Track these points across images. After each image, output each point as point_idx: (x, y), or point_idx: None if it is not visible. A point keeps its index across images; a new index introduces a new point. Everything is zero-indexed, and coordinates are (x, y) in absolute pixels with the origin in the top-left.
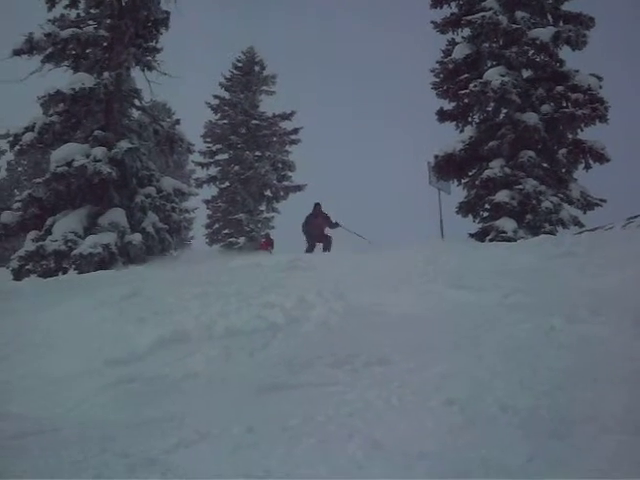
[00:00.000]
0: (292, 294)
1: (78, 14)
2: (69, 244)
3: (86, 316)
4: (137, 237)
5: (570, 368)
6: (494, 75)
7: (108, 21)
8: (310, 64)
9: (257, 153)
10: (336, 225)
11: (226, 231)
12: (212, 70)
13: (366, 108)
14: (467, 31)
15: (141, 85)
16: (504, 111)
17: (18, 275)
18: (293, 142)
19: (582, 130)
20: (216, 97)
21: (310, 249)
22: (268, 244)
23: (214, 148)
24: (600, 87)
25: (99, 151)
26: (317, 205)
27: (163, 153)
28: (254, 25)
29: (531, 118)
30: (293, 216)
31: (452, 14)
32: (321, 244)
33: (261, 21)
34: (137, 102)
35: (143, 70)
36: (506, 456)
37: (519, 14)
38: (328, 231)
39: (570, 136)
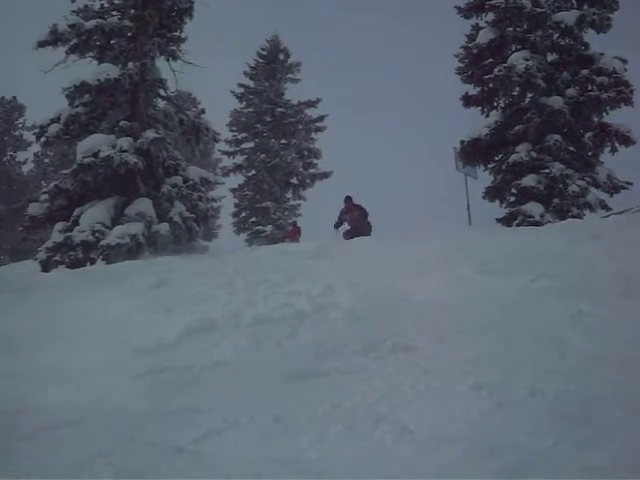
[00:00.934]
0: (319, 282)
1: (102, 5)
2: (97, 235)
3: (114, 306)
4: (164, 227)
5: (598, 352)
6: (519, 59)
7: (132, 11)
8: (334, 50)
9: (283, 141)
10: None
11: (253, 219)
12: (237, 59)
13: (390, 94)
14: (491, 15)
15: (166, 75)
16: (529, 95)
17: (46, 266)
18: (318, 129)
19: (607, 113)
20: (241, 85)
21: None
22: (295, 232)
23: (240, 137)
24: (625, 70)
25: (125, 141)
26: (349, 198)
27: (189, 142)
28: (279, 12)
29: (556, 102)
30: (320, 203)
31: None
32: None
33: (285, 8)
34: (162, 92)
35: (168, 60)
36: (534, 439)
37: None
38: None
39: (596, 119)
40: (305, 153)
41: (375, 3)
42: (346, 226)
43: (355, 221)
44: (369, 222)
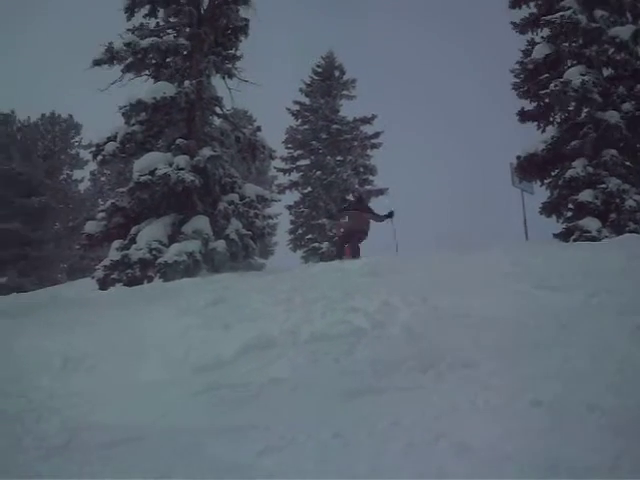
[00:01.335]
0: (375, 298)
1: (157, 23)
2: (154, 252)
3: (171, 323)
4: (221, 244)
5: None
6: (574, 74)
7: (187, 29)
8: (388, 67)
9: (338, 158)
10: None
11: (309, 236)
12: (292, 76)
13: (446, 110)
14: (546, 31)
15: (222, 93)
16: (585, 110)
17: (103, 284)
18: (374, 146)
19: None
20: (296, 103)
21: (343, 254)
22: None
23: (295, 154)
24: None
25: (182, 159)
26: (357, 195)
27: (245, 160)
28: (335, 30)
29: (612, 117)
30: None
31: (531, 14)
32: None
33: (341, 26)
34: (218, 110)
35: (223, 78)
36: (594, 456)
37: (598, 13)
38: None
39: None
40: (361, 170)
41: (432, 20)
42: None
43: (358, 221)
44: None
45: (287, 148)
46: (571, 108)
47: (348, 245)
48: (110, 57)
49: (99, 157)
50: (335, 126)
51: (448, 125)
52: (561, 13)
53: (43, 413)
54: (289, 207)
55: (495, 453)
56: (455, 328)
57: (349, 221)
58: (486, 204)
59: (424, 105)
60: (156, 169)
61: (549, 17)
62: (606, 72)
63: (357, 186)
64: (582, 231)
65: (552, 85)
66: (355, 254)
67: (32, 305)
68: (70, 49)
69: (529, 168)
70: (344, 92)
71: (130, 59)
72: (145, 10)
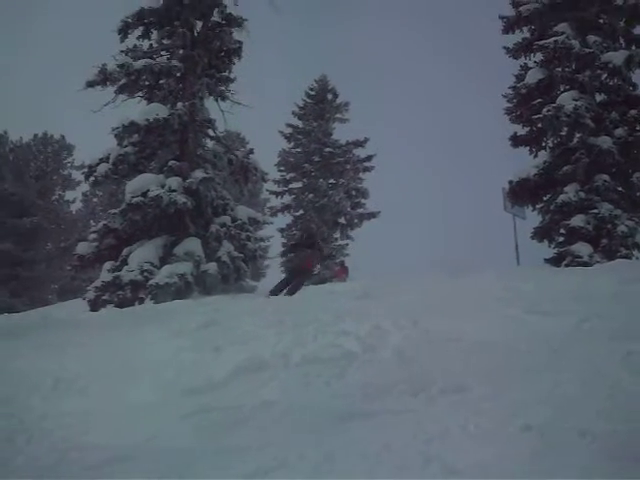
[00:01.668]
0: (366, 321)
1: (151, 45)
2: (145, 274)
3: (162, 346)
4: (212, 266)
5: None
6: (567, 99)
7: (181, 51)
8: (381, 91)
9: (331, 181)
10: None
11: None
12: (285, 99)
13: (437, 135)
14: (539, 56)
15: (215, 115)
16: (578, 135)
17: (94, 305)
18: (367, 169)
19: None
20: (289, 126)
21: (282, 288)
22: (343, 272)
23: (288, 177)
24: None
25: (174, 181)
26: (310, 233)
27: (237, 182)
28: (327, 53)
29: (605, 142)
30: (367, 243)
31: (524, 39)
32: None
33: (333, 49)
34: (211, 132)
35: (217, 100)
36: None
37: (591, 38)
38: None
39: None
40: (353, 193)
41: (423, 46)
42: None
43: (307, 261)
44: (308, 268)
45: (279, 171)
46: (563, 133)
47: (294, 282)
48: (103, 78)
49: (91, 178)
50: (328, 149)
51: (441, 149)
52: (554, 38)
53: (34, 433)
54: (281, 230)
55: (486, 477)
56: (446, 352)
57: (296, 259)
58: (478, 229)
59: (418, 129)
60: (148, 191)
61: (542, 42)
62: (599, 97)
63: (349, 209)
64: (574, 256)
65: (545, 110)
66: (292, 291)
67: (23, 326)
68: (63, 70)
69: (521, 193)
70: (337, 115)
71: (123, 80)
72: (139, 32)
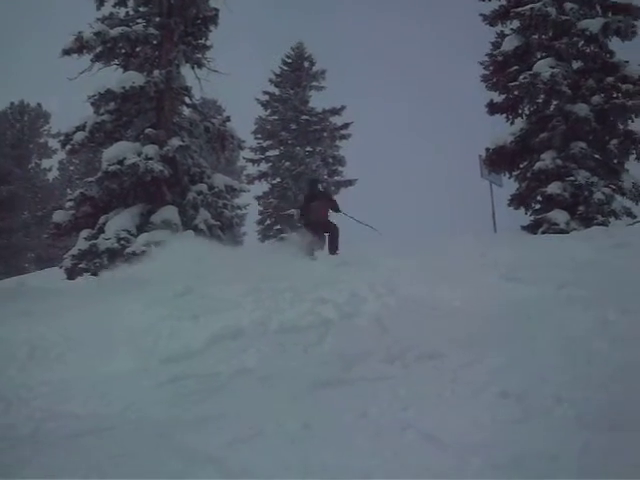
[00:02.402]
0: (344, 289)
1: (127, 12)
2: (122, 242)
3: (139, 314)
4: (190, 234)
5: (624, 360)
6: (544, 67)
7: (157, 19)
8: (359, 58)
9: (308, 149)
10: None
11: (278, 227)
12: (262, 66)
13: (416, 102)
14: (516, 23)
15: (191, 83)
16: (554, 103)
17: (71, 274)
18: (343, 137)
19: (633, 121)
20: (266, 93)
21: (313, 247)
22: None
23: (265, 144)
24: None
25: (150, 149)
26: (313, 183)
27: (214, 150)
28: (304, 20)
29: (582, 109)
30: (344, 211)
31: (501, 6)
32: (326, 235)
33: (311, 16)
34: (187, 100)
35: (193, 68)
36: (562, 447)
37: (568, 5)
38: (331, 217)
39: (621, 127)
40: (330, 161)
41: (402, 12)
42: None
43: (316, 212)
44: (334, 225)
45: (256, 138)
46: (540, 100)
47: (328, 239)
48: (80, 46)
49: (68, 146)
50: (304, 117)
51: (419, 117)
52: (531, 5)
53: (11, 403)
54: (258, 198)
55: (462, 444)
56: (423, 320)
57: (311, 215)
58: (455, 196)
59: (395, 98)
60: (125, 159)
61: (519, 9)
62: (576, 65)
63: (326, 177)
64: (550, 223)
65: (521, 77)
66: (335, 248)
67: None
68: (39, 38)
69: (498, 160)
70: (313, 83)
71: (99, 48)
72: None
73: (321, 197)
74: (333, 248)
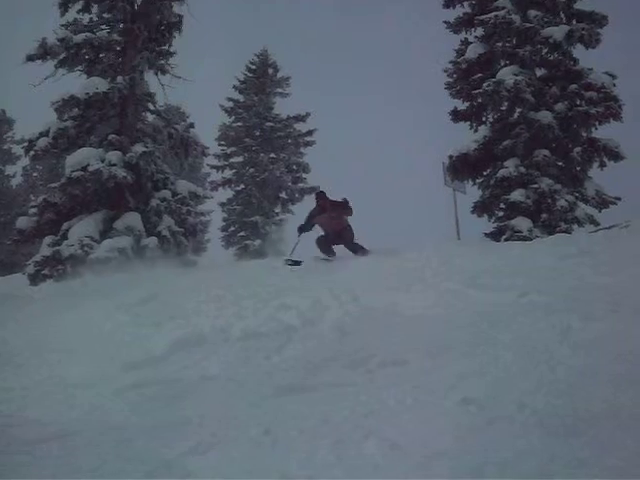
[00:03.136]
0: (307, 296)
1: (91, 19)
2: (85, 248)
3: (102, 320)
4: (153, 241)
5: (587, 366)
6: (507, 74)
7: (121, 25)
8: (324, 64)
9: (272, 155)
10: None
11: (242, 234)
12: (226, 73)
13: (380, 109)
14: (480, 31)
15: (155, 89)
16: (518, 110)
17: (34, 280)
18: (308, 144)
19: (596, 128)
20: (230, 100)
21: (331, 252)
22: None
23: (229, 151)
24: (614, 85)
25: (114, 155)
26: (322, 195)
27: (178, 156)
28: (268, 26)
29: (545, 117)
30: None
31: (465, 14)
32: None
33: (274, 21)
34: (151, 106)
35: (157, 74)
36: (524, 455)
37: (532, 13)
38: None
39: (584, 134)
40: (294, 167)
41: (366, 17)
42: (320, 231)
43: (334, 223)
44: (350, 226)
45: (220, 145)
46: (504, 108)
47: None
48: (43, 52)
49: (31, 152)
50: (269, 123)
51: (382, 124)
52: (495, 13)
53: None
54: (222, 204)
55: (424, 451)
56: (386, 326)
57: (327, 229)
58: (419, 203)
59: (358, 104)
60: (88, 165)
61: (483, 17)
62: (539, 72)
63: (290, 184)
64: (513, 231)
65: (485, 85)
66: (360, 250)
67: None
68: (2, 44)
69: (461, 167)
70: (278, 90)
71: (63, 54)
72: (79, 5)
73: (333, 208)
74: (357, 250)
